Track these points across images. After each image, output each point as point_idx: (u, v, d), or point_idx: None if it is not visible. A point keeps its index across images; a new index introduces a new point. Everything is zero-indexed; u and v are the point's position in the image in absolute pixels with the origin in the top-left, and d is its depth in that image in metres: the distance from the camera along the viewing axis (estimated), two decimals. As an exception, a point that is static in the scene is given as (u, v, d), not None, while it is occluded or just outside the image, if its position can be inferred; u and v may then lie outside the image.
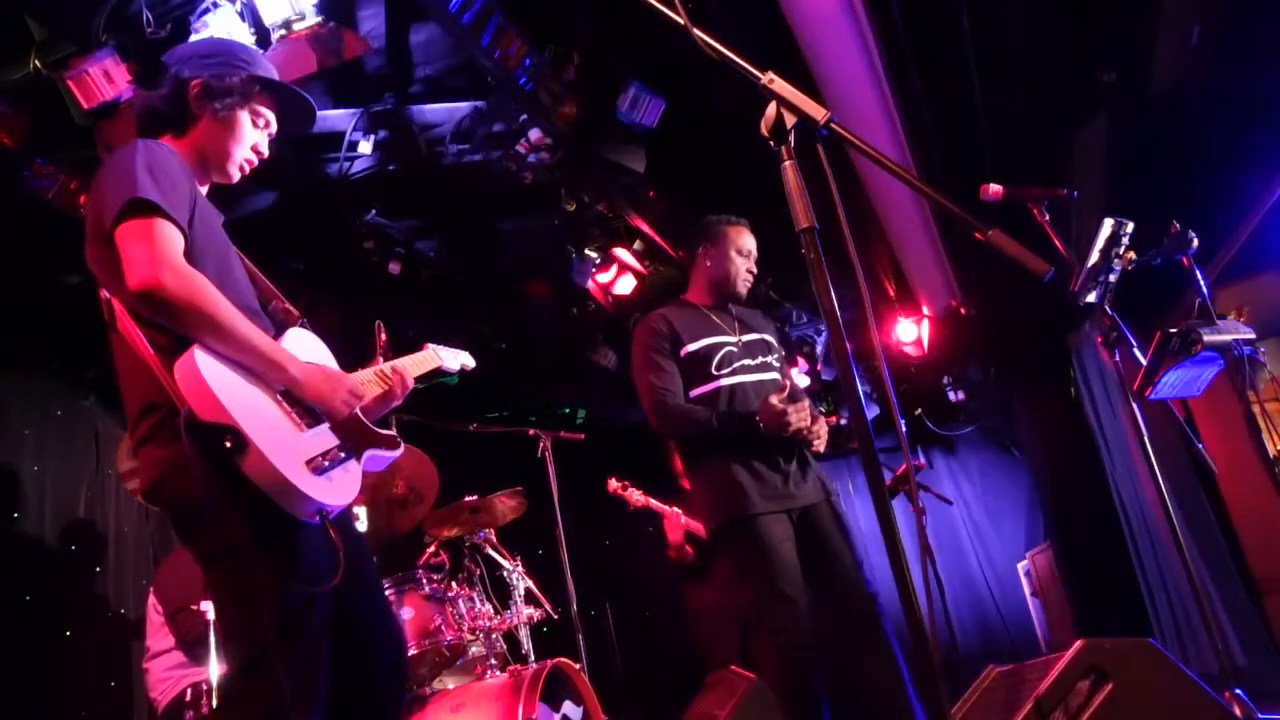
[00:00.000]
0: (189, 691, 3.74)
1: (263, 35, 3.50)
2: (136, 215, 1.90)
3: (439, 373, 2.75)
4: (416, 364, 2.59)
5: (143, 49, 3.48)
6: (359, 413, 2.16)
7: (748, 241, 3.46)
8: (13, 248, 4.20)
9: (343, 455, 2.03)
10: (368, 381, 2.27)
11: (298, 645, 1.85)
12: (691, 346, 3.29)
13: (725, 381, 3.25)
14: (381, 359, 2.48)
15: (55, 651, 4.42)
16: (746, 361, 3.30)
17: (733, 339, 3.34)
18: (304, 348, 2.20)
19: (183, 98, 2.17)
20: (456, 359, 2.88)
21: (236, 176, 2.27)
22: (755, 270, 3.49)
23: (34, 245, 4.27)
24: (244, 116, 2.22)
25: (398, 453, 2.24)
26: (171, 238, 1.91)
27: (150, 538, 5.10)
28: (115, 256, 1.92)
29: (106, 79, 3.44)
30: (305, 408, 2.03)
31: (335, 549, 1.90)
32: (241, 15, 3.40)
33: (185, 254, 1.95)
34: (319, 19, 3.48)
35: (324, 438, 2.04)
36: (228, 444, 1.78)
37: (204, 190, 2.21)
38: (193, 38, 3.35)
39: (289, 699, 1.78)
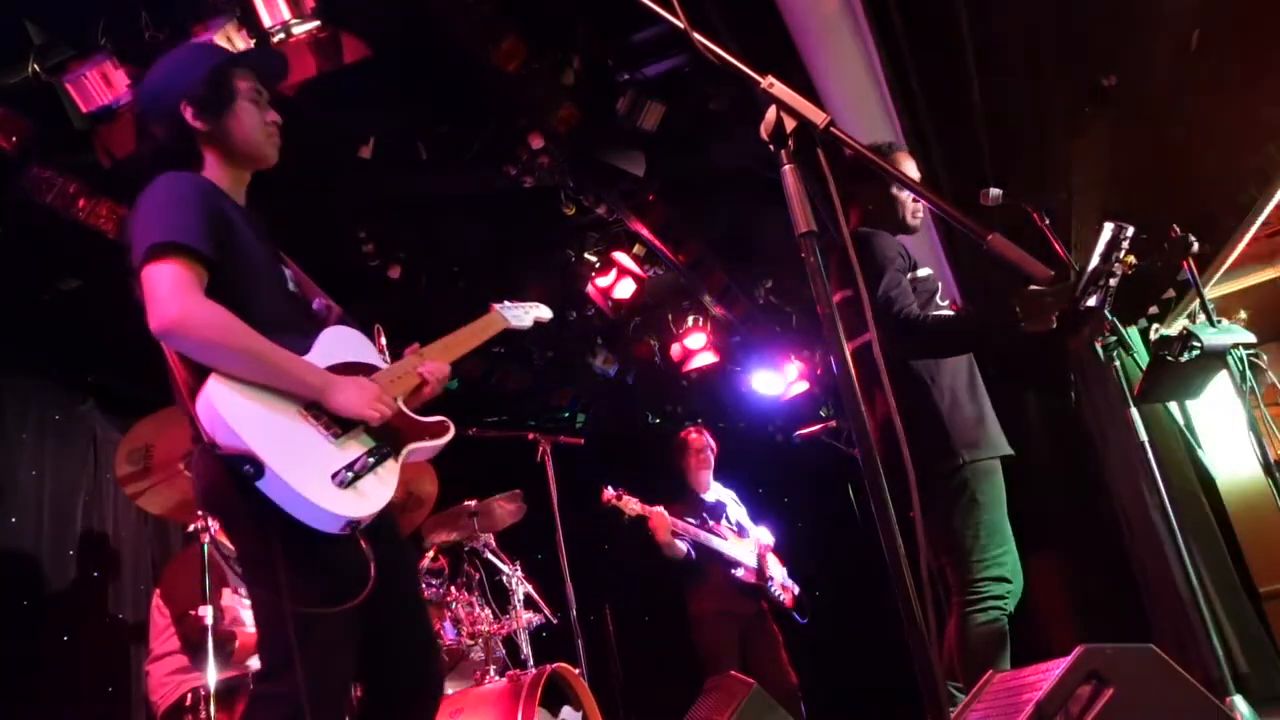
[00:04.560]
0: (189, 696, 3.72)
1: (261, 40, 3.50)
2: (155, 258, 1.96)
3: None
4: (473, 334, 2.56)
5: (142, 52, 3.47)
6: (401, 406, 2.17)
7: (907, 169, 3.23)
8: (11, 251, 4.20)
9: (372, 461, 2.04)
10: (401, 378, 2.25)
11: (319, 654, 1.90)
12: (920, 273, 3.10)
13: (945, 315, 3.08)
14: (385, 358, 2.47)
15: (53, 656, 4.42)
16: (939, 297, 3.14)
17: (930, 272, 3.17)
18: (342, 346, 2.22)
19: (184, 125, 2.19)
20: (528, 314, 2.81)
21: (274, 154, 2.31)
22: (919, 200, 3.26)
23: (33, 249, 4.26)
24: (242, 106, 2.24)
25: (444, 439, 2.23)
26: (187, 277, 1.97)
27: (149, 542, 5.09)
28: None
29: (105, 83, 3.44)
30: (334, 416, 2.05)
31: (366, 560, 1.95)
32: (239, 18, 3.40)
33: (213, 281, 2.01)
34: (318, 23, 3.47)
35: (353, 446, 2.05)
36: (248, 469, 1.86)
37: (242, 190, 2.28)
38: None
39: (307, 705, 1.84)
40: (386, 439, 2.10)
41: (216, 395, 1.93)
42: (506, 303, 2.80)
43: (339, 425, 2.04)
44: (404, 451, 2.14)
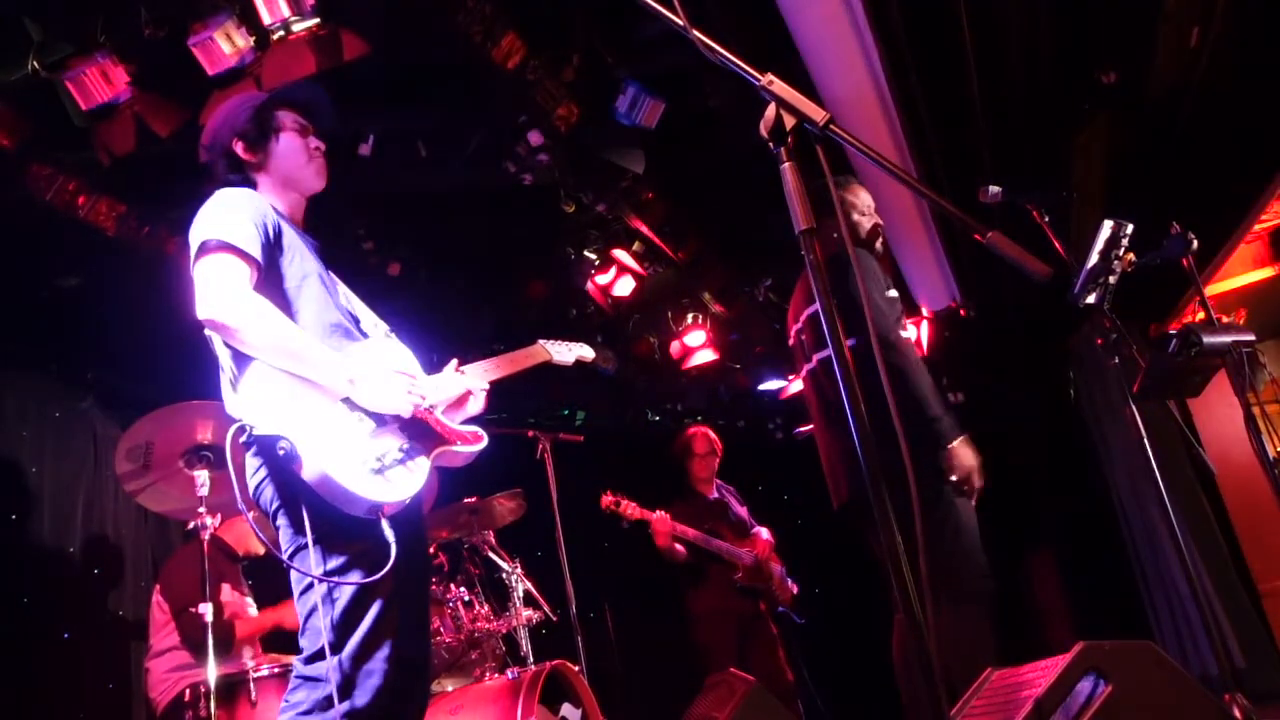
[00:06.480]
0: (188, 692, 3.73)
1: (261, 37, 3.49)
2: (204, 254, 2.14)
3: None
4: (514, 362, 2.68)
5: (141, 50, 3.47)
6: (437, 414, 2.32)
7: (862, 198, 3.42)
8: (12, 249, 4.20)
9: (402, 455, 2.15)
10: (440, 387, 2.39)
11: (356, 634, 2.04)
12: (890, 294, 3.23)
13: (911, 336, 3.25)
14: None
15: (53, 653, 4.42)
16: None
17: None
18: (386, 355, 2.35)
19: (237, 158, 2.42)
20: (572, 352, 2.91)
21: (320, 178, 2.50)
22: (880, 220, 3.45)
23: (33, 246, 4.26)
24: (285, 136, 2.45)
25: (476, 447, 2.36)
26: (233, 270, 2.12)
27: (148, 539, 5.09)
28: None
29: (105, 80, 3.44)
30: (371, 412, 2.18)
31: (387, 545, 2.05)
32: (239, 16, 3.39)
33: (262, 278, 2.17)
34: (317, 20, 3.47)
35: (387, 440, 2.16)
36: (281, 451, 2.00)
37: (298, 212, 2.47)
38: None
39: (347, 684, 2.00)
40: (419, 439, 2.22)
41: (259, 378, 2.08)
42: (552, 340, 2.95)
43: (374, 420, 2.16)
44: (435, 452, 2.25)
